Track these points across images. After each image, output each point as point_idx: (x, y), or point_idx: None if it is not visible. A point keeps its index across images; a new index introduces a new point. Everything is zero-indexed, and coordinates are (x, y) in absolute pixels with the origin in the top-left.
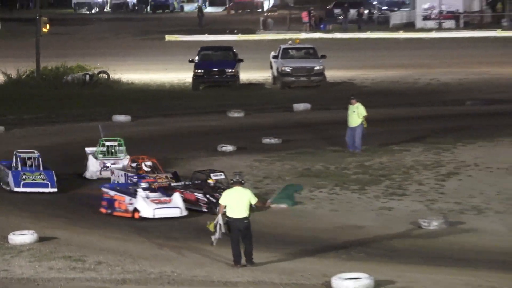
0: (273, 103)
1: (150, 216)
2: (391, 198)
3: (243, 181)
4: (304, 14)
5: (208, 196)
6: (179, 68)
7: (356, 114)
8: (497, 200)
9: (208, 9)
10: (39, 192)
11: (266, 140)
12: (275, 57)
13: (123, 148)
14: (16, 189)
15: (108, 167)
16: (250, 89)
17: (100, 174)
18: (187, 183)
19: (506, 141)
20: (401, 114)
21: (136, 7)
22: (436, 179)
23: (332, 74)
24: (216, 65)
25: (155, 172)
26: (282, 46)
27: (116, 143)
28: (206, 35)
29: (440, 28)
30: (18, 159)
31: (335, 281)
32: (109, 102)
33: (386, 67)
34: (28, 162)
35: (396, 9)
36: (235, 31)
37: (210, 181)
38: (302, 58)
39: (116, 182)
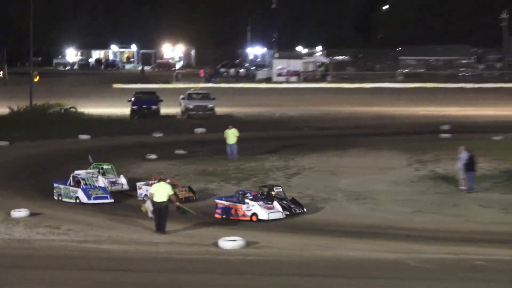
0: (181, 128)
1: (266, 218)
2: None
3: (165, 178)
4: (201, 71)
5: (283, 203)
6: (122, 105)
7: (233, 135)
8: (323, 191)
9: (141, 67)
10: (103, 203)
11: (177, 151)
12: (183, 98)
13: (114, 170)
14: (88, 202)
15: (114, 183)
16: (167, 119)
17: (110, 188)
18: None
19: (329, 153)
20: (263, 135)
21: (94, 66)
22: (285, 177)
23: (219, 110)
24: (145, 103)
25: (175, 187)
26: (188, 92)
27: (108, 166)
28: (139, 84)
29: (287, 81)
30: (78, 178)
31: (221, 242)
32: (76, 126)
33: (254, 105)
34: (82, 182)
35: (260, 68)
36: (158, 81)
37: (273, 192)
38: (200, 99)
39: (144, 195)
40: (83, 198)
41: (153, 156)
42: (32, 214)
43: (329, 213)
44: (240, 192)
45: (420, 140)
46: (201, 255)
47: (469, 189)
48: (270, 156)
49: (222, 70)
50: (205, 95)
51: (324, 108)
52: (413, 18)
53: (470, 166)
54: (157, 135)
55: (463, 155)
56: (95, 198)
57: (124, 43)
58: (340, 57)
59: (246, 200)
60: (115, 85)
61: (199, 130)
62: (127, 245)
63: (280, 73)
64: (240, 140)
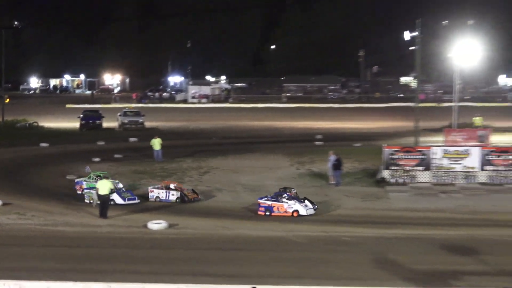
0: (119, 138)
1: (304, 214)
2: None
3: (108, 177)
4: (134, 95)
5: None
6: (73, 120)
7: (158, 143)
8: (227, 185)
9: (88, 92)
10: (133, 203)
11: (116, 156)
12: (120, 115)
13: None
14: (122, 203)
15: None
16: (108, 131)
17: None
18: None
19: (232, 156)
20: (181, 143)
21: (52, 90)
22: (198, 175)
23: (148, 124)
24: (91, 119)
25: (180, 190)
26: (123, 110)
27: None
28: (87, 104)
29: (199, 102)
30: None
31: (149, 224)
32: (38, 136)
33: (174, 121)
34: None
35: (178, 92)
36: (101, 102)
37: (290, 193)
38: (133, 116)
39: (156, 197)
40: (119, 200)
41: (97, 159)
42: (4, 204)
43: (232, 201)
44: (279, 193)
45: (300, 147)
46: (134, 234)
47: (336, 183)
48: (186, 159)
49: (150, 93)
50: (137, 113)
51: (228, 123)
52: (294, 54)
53: (337, 166)
54: (100, 143)
55: (332, 158)
56: (128, 200)
57: (75, 73)
58: (239, 84)
59: (284, 200)
60: (68, 105)
61: (132, 139)
62: (77, 227)
63: (194, 96)
64: (163, 146)
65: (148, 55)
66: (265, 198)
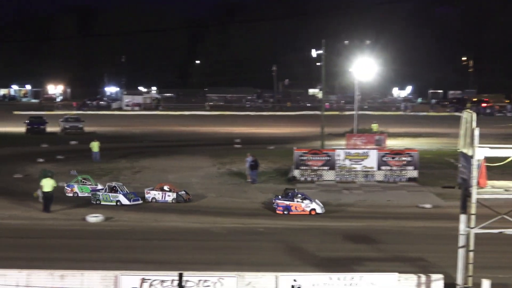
0: (61, 141)
1: (320, 212)
2: (115, 181)
3: (52, 175)
4: (74, 103)
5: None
6: (20, 126)
7: (97, 145)
8: (157, 182)
9: (33, 100)
10: (137, 204)
11: (58, 157)
12: (61, 120)
13: (92, 180)
14: (128, 203)
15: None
16: (51, 135)
17: None
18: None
19: (161, 157)
20: (116, 146)
21: (1, 99)
22: (132, 174)
23: (87, 129)
24: (35, 124)
25: (173, 191)
26: (65, 116)
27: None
28: (31, 111)
29: (133, 110)
30: (116, 186)
31: (87, 217)
32: None
33: (110, 126)
34: (114, 189)
35: (114, 101)
36: (44, 111)
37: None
38: (73, 121)
39: (152, 198)
40: (124, 201)
41: (41, 160)
42: None
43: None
44: (295, 194)
45: (221, 149)
46: (74, 226)
47: (253, 181)
48: (121, 159)
49: (88, 102)
50: (77, 119)
51: (158, 128)
52: (216, 69)
53: (254, 166)
54: (44, 145)
55: (249, 159)
56: (133, 201)
57: (21, 84)
58: (168, 94)
59: (299, 200)
60: (15, 112)
61: (73, 142)
62: (23, 220)
63: (128, 104)
64: (101, 149)
65: (87, 68)
66: (283, 198)
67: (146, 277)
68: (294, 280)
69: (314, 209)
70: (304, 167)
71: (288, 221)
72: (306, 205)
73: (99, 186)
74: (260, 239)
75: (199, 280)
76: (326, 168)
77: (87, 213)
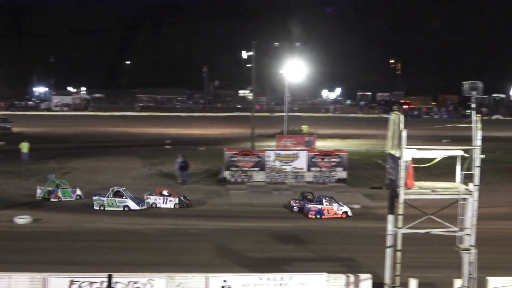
0: None
1: (351, 215)
2: (43, 182)
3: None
4: (2, 103)
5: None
6: None
7: (26, 146)
8: (88, 183)
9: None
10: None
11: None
12: None
13: (67, 184)
14: (138, 208)
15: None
16: None
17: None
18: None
19: (91, 158)
20: (46, 146)
21: None
22: (61, 175)
23: (15, 129)
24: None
25: (172, 195)
26: None
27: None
28: None
29: (62, 110)
30: (120, 191)
31: (15, 219)
32: None
33: (39, 126)
34: (119, 193)
35: (43, 102)
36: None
37: (309, 196)
38: (1, 122)
39: (152, 203)
40: (134, 206)
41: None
42: None
43: (91, 198)
44: (320, 198)
45: (151, 150)
46: (2, 228)
47: (183, 182)
48: (50, 160)
49: (17, 102)
50: (5, 119)
51: (87, 128)
52: (146, 70)
53: (184, 167)
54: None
55: (179, 160)
56: (141, 205)
57: None
58: (98, 95)
59: (325, 203)
60: None
61: (0, 143)
62: None
63: (57, 105)
64: (30, 149)
65: (15, 68)
66: (313, 203)
67: (75, 279)
68: (224, 281)
69: (345, 212)
70: (235, 168)
71: (219, 222)
72: (339, 208)
73: (78, 191)
74: (193, 240)
75: (129, 282)
76: (256, 169)
77: (14, 214)
